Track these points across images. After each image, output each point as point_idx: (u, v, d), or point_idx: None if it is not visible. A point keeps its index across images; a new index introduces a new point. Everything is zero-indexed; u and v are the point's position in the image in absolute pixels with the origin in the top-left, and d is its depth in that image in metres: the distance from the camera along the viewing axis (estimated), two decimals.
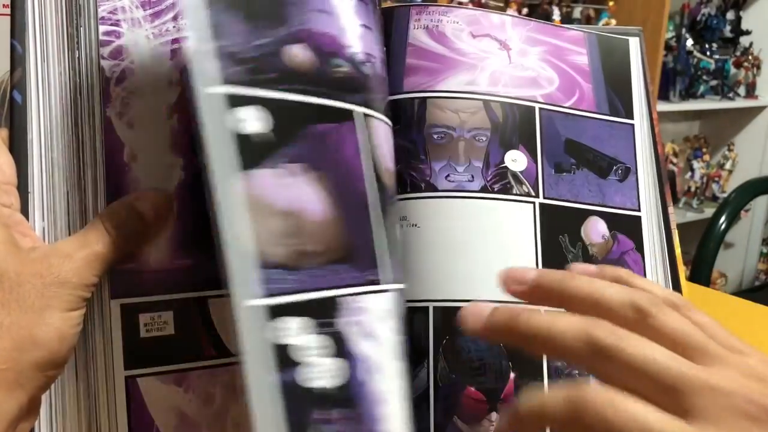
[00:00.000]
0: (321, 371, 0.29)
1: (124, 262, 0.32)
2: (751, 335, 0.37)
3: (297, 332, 0.28)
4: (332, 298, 0.31)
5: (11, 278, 0.28)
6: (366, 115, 0.35)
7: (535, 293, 0.30)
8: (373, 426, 0.31)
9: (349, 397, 0.30)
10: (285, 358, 0.27)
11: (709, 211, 2.37)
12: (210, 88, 0.28)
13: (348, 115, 0.34)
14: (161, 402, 0.33)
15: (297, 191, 0.30)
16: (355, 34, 0.36)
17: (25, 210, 0.31)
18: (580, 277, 0.29)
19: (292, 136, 0.31)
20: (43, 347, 0.28)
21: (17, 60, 0.31)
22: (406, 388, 0.34)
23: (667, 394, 0.24)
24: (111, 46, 0.33)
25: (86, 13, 0.32)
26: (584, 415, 0.24)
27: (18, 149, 0.31)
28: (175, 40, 0.34)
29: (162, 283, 0.33)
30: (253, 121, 0.29)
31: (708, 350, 0.26)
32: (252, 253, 0.27)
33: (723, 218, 1.37)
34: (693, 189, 2.54)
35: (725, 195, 1.85)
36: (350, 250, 0.32)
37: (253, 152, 0.28)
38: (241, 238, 0.27)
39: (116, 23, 0.33)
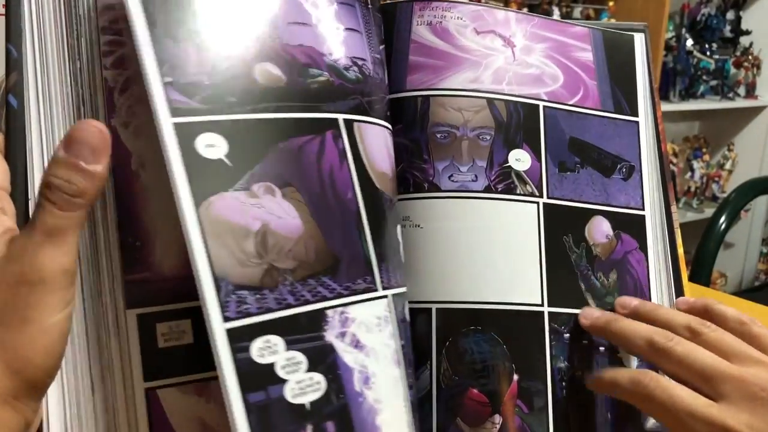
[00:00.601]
0: (300, 387, 0.29)
1: (138, 267, 0.31)
2: None
3: (264, 352, 0.29)
4: (308, 313, 0.31)
5: None
6: (352, 121, 0.35)
7: (633, 314, 0.40)
8: None
9: (341, 409, 0.30)
10: (254, 379, 0.28)
11: (709, 211, 2.37)
12: (166, 120, 0.29)
13: (327, 124, 0.34)
14: (183, 413, 0.32)
15: (261, 210, 0.31)
16: (336, 41, 0.36)
17: (25, 216, 0.30)
18: (662, 308, 0.41)
19: (255, 156, 0.31)
20: (33, 366, 0.27)
21: (12, 64, 0.31)
22: (407, 392, 0.34)
23: (705, 382, 0.34)
24: (113, 56, 0.32)
25: (86, 24, 0.32)
26: (641, 390, 0.35)
27: (14, 154, 0.31)
28: None
29: (178, 290, 0.32)
30: (210, 148, 0.30)
31: (746, 355, 0.35)
32: (220, 277, 0.29)
33: (723, 218, 1.36)
34: (693, 189, 2.54)
35: (725, 195, 1.84)
36: (332, 261, 0.32)
37: (211, 179, 0.30)
38: (208, 264, 0.28)
39: (118, 32, 0.32)
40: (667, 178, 0.46)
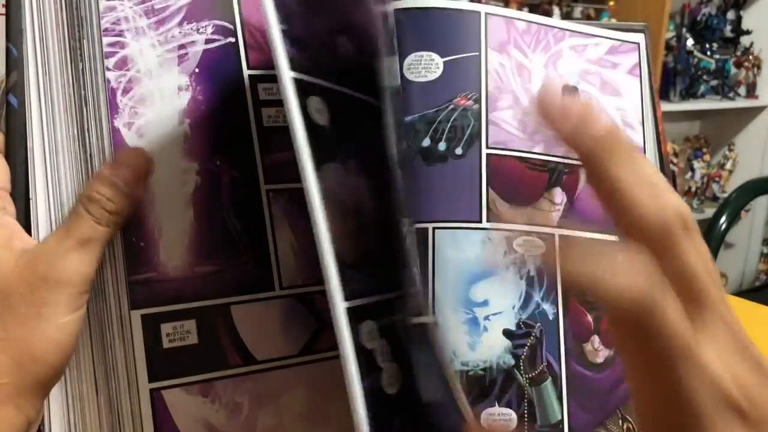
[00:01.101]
0: (389, 377, 0.28)
1: (142, 268, 0.31)
2: (751, 336, 0.37)
3: (368, 337, 0.27)
4: (387, 301, 0.30)
5: (1, 289, 0.27)
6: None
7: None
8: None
9: (410, 403, 0.29)
10: (364, 365, 0.26)
11: (709, 211, 2.37)
12: (286, 73, 0.26)
13: (382, 113, 0.33)
14: (188, 414, 0.32)
15: (354, 189, 0.29)
16: (377, 29, 0.35)
17: (26, 216, 0.30)
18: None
19: (347, 131, 0.30)
20: (42, 362, 0.27)
21: (12, 63, 0.31)
22: None
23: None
24: (116, 57, 0.32)
25: (88, 26, 0.32)
26: None
27: (14, 153, 0.31)
28: (182, 46, 0.33)
29: (183, 291, 0.32)
30: (318, 113, 0.28)
31: (708, 297, 0.23)
32: (338, 252, 0.26)
33: (723, 218, 1.36)
34: (693, 189, 2.54)
35: (725, 195, 1.85)
36: (391, 251, 0.32)
37: (322, 146, 0.27)
38: (329, 235, 0.26)
39: (120, 34, 0.32)
40: (667, 177, 0.46)
